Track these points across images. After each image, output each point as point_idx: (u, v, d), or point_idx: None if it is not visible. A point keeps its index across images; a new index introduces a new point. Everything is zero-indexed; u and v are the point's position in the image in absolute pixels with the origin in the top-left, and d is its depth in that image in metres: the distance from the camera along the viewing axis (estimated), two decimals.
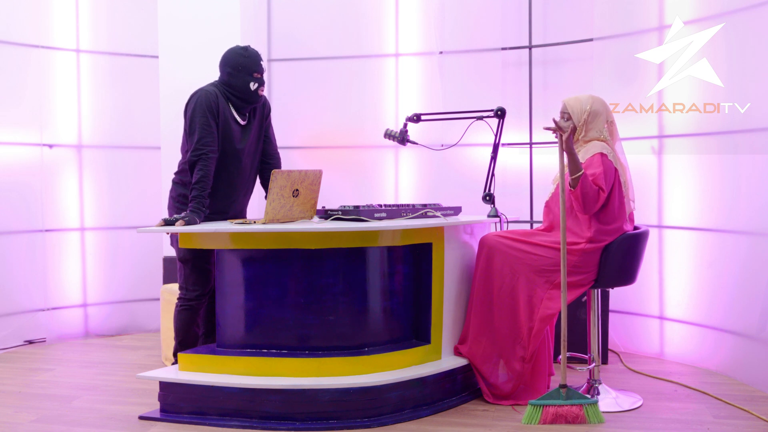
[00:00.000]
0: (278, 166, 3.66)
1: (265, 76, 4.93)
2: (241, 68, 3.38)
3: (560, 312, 3.16)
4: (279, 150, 3.75)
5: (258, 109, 3.55)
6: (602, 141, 3.24)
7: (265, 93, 3.53)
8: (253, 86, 3.39)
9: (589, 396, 2.98)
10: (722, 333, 3.77)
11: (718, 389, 3.47)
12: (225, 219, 3.48)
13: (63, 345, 4.64)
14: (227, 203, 3.49)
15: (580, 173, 3.08)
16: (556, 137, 3.12)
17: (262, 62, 3.45)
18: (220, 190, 3.42)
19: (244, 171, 3.50)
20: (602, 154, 3.17)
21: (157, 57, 4.73)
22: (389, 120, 4.76)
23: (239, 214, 3.59)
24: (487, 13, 4.62)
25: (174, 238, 3.51)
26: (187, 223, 3.14)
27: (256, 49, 3.49)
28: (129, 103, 4.94)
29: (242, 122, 3.46)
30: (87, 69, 4.86)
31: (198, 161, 3.28)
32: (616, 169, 3.19)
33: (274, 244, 3.13)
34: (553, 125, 3.12)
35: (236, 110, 3.43)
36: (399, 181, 4.83)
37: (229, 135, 3.40)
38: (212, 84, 3.45)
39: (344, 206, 3.31)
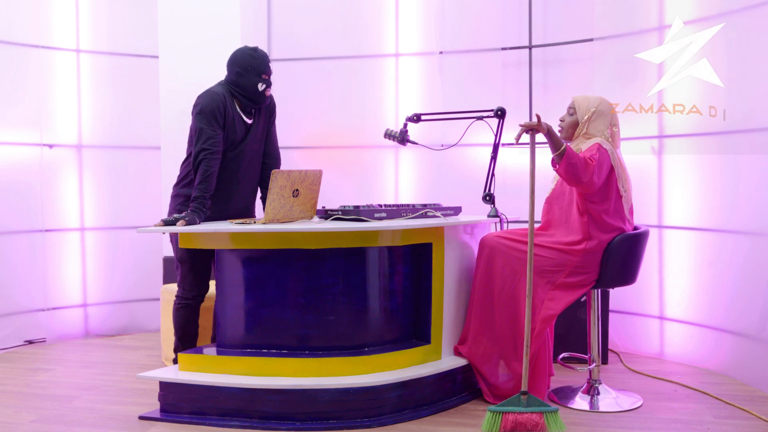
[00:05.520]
0: (276, 165, 3.67)
1: None
2: (250, 69, 3.42)
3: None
4: (279, 150, 3.75)
5: (263, 109, 3.58)
6: (603, 139, 3.24)
7: (271, 93, 3.55)
8: (260, 87, 3.44)
9: (549, 404, 2.94)
10: (722, 333, 3.77)
11: (718, 389, 3.47)
12: (228, 218, 3.49)
13: (63, 345, 4.64)
14: (229, 202, 3.50)
15: (563, 147, 3.03)
16: (528, 133, 3.04)
17: (269, 63, 3.51)
18: (222, 190, 3.43)
19: (246, 170, 3.52)
20: (599, 145, 3.17)
21: (157, 57, 4.73)
22: (389, 120, 4.76)
23: (244, 212, 3.59)
24: (487, 13, 4.62)
25: (173, 238, 3.52)
26: (188, 223, 3.15)
27: (264, 51, 3.54)
28: (129, 103, 4.94)
29: (248, 121, 3.49)
30: (87, 69, 4.86)
31: (203, 161, 3.31)
32: (611, 165, 3.18)
33: (275, 244, 3.13)
34: (525, 127, 3.02)
35: (242, 109, 3.48)
36: (399, 181, 4.83)
37: (233, 134, 3.43)
38: (219, 84, 3.49)
39: (344, 206, 3.31)
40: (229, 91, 3.45)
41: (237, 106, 3.46)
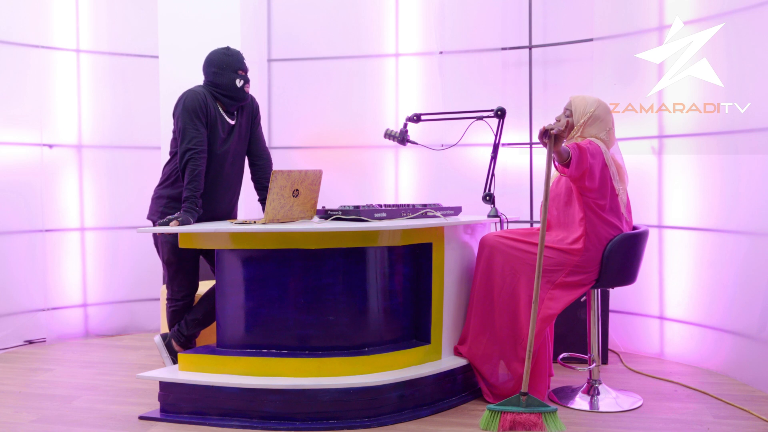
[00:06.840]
0: (269, 166, 3.68)
1: (265, 76, 4.94)
2: (226, 66, 3.46)
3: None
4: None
5: (246, 109, 3.59)
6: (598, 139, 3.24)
7: (252, 93, 3.56)
8: (239, 83, 3.46)
9: (549, 404, 2.94)
10: (722, 333, 3.77)
11: (718, 389, 3.47)
12: (212, 219, 3.50)
13: (63, 345, 4.64)
14: (213, 203, 3.50)
15: (569, 155, 3.00)
16: (545, 142, 3.02)
17: (244, 60, 3.53)
18: (206, 191, 3.43)
19: (230, 171, 3.53)
20: (590, 141, 3.16)
21: (157, 57, 4.74)
22: (389, 120, 4.76)
23: (228, 214, 3.59)
24: (487, 13, 4.63)
25: (158, 240, 3.51)
26: (181, 224, 3.16)
27: (237, 49, 3.57)
28: (129, 103, 4.94)
29: (231, 122, 3.50)
30: (87, 69, 4.86)
31: (190, 161, 3.32)
32: (604, 162, 3.16)
33: (274, 244, 3.13)
34: (542, 137, 3.01)
35: (225, 110, 3.49)
36: (399, 181, 4.83)
37: (216, 135, 3.43)
38: (199, 86, 3.51)
39: (344, 206, 3.32)
40: (210, 92, 3.47)
41: (219, 108, 3.47)
